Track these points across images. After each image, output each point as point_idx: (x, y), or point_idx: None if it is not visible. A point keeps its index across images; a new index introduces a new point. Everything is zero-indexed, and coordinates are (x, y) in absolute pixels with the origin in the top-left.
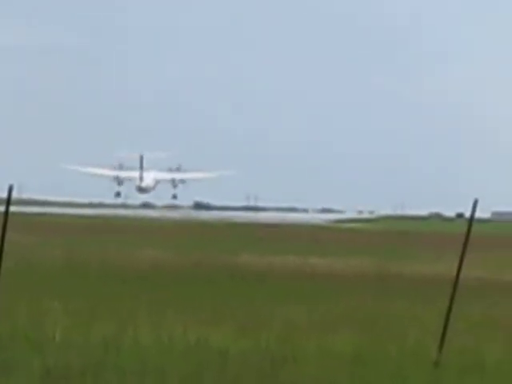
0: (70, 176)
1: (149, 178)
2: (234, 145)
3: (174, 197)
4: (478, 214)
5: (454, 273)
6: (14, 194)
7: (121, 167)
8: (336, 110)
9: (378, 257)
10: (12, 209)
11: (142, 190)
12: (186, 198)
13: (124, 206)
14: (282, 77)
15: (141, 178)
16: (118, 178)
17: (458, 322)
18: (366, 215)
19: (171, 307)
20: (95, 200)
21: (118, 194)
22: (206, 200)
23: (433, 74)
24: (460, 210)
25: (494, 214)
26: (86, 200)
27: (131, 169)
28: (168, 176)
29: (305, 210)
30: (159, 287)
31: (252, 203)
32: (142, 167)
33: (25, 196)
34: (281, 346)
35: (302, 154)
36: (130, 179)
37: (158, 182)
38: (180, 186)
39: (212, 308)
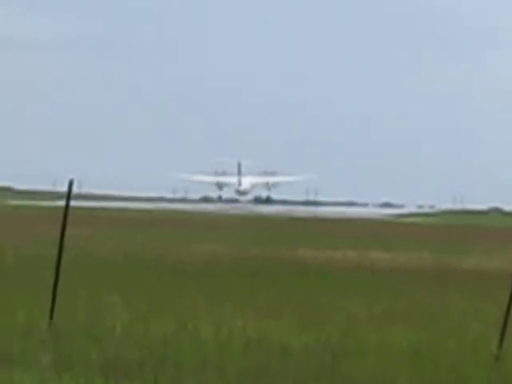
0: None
1: (246, 182)
2: (297, 142)
3: (268, 199)
4: None
5: None
6: (75, 189)
7: (223, 173)
8: (390, 106)
9: (438, 251)
10: (72, 203)
11: (240, 193)
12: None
13: (184, 200)
14: (345, 71)
15: (239, 183)
16: (219, 183)
17: None
18: (426, 209)
19: (231, 301)
20: (155, 194)
21: (219, 198)
22: (266, 194)
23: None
24: None
25: None
26: (146, 194)
27: (229, 174)
28: (262, 180)
29: (364, 205)
30: (218, 281)
31: (312, 197)
32: (240, 173)
33: (84, 190)
34: (342, 339)
35: (360, 149)
36: (230, 184)
37: (254, 185)
38: (272, 188)
39: (272, 302)
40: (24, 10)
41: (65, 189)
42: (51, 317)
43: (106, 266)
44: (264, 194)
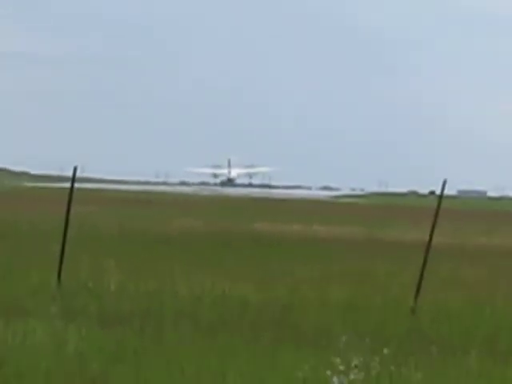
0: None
1: (234, 172)
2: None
3: (250, 183)
4: (446, 192)
5: (427, 239)
6: (78, 174)
7: (218, 166)
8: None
9: (366, 226)
10: (76, 185)
11: (230, 180)
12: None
13: (165, 183)
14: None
15: (229, 173)
16: (215, 174)
17: (430, 278)
18: (357, 192)
19: (202, 266)
20: (142, 179)
21: (217, 183)
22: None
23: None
24: (432, 189)
25: (460, 191)
26: (134, 178)
27: (222, 167)
28: (245, 171)
29: (308, 188)
30: (193, 250)
31: (267, 182)
32: (229, 166)
33: (86, 175)
34: (289, 296)
35: (305, 143)
36: (223, 174)
37: (239, 175)
38: (253, 176)
39: (235, 267)
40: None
41: (70, 173)
42: (59, 277)
43: (103, 237)
44: (247, 180)
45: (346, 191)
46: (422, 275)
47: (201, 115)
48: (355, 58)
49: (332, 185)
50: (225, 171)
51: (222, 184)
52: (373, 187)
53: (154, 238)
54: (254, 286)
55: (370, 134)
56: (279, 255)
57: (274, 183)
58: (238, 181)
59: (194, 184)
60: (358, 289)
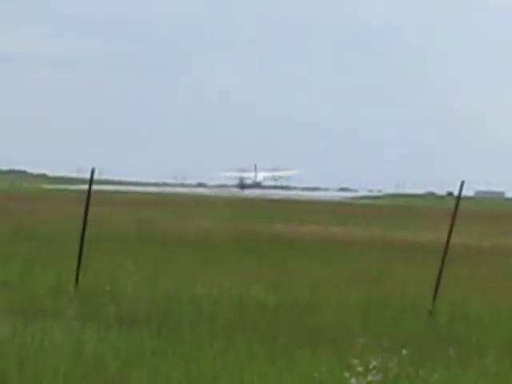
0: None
1: (260, 176)
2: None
3: (276, 185)
4: (464, 193)
5: (445, 240)
6: (96, 176)
7: (243, 170)
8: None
9: (384, 227)
10: (94, 187)
11: (256, 184)
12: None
13: (182, 185)
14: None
15: (255, 176)
16: (241, 178)
17: (448, 279)
18: (375, 193)
19: (220, 267)
20: (160, 180)
21: (242, 187)
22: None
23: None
24: (450, 190)
25: (478, 192)
26: (152, 180)
27: (248, 171)
28: (270, 174)
29: (326, 189)
30: (211, 251)
31: (285, 184)
32: (255, 169)
33: (104, 177)
34: (307, 298)
35: (326, 146)
36: (249, 177)
37: (265, 178)
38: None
39: (253, 267)
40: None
41: (88, 175)
42: (77, 278)
43: (121, 238)
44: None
45: (363, 192)
46: (439, 277)
47: (222, 119)
48: (371, 58)
49: (350, 186)
50: (251, 175)
51: (242, 186)
52: (390, 188)
53: (172, 240)
54: (273, 288)
55: (387, 135)
56: (297, 256)
57: (291, 185)
58: (264, 183)
59: (211, 186)
60: (375, 290)
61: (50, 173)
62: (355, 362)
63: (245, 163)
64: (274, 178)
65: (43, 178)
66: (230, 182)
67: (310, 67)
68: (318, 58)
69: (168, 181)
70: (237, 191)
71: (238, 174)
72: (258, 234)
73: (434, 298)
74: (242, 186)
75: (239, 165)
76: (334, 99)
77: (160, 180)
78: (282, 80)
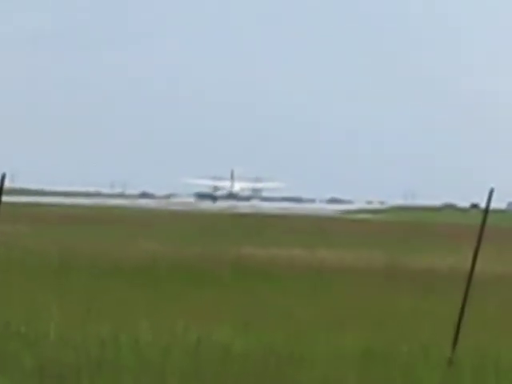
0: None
1: (237, 186)
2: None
3: (253, 196)
4: (493, 205)
5: (469, 266)
6: (7, 184)
7: (217, 178)
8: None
9: (388, 249)
10: (4, 198)
11: (231, 195)
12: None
13: (122, 195)
14: None
15: (231, 186)
16: (215, 187)
17: (472, 317)
18: (375, 205)
19: (170, 303)
20: (91, 189)
21: (214, 199)
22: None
23: None
24: (475, 201)
25: (510, 204)
26: (82, 189)
27: (222, 179)
28: (250, 185)
29: (311, 200)
30: (157, 282)
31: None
32: (232, 178)
33: (17, 185)
34: (287, 343)
35: (308, 143)
36: (223, 187)
37: (243, 189)
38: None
39: (213, 304)
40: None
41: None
42: None
43: (40, 266)
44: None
45: (360, 204)
46: (461, 314)
47: (185, 111)
48: (365, 51)
49: (342, 196)
50: (226, 184)
51: (213, 197)
52: (396, 199)
53: (107, 268)
54: (240, 330)
55: (390, 134)
56: (272, 289)
57: (271, 195)
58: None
59: (159, 197)
60: (377, 333)
61: None
62: None
63: (216, 170)
64: (254, 191)
65: None
66: (200, 191)
67: (301, 69)
68: (308, 61)
69: (103, 190)
70: (200, 203)
71: (210, 183)
72: (220, 259)
73: (455, 342)
74: (214, 196)
75: (207, 171)
76: (330, 96)
77: (92, 189)
78: (270, 82)
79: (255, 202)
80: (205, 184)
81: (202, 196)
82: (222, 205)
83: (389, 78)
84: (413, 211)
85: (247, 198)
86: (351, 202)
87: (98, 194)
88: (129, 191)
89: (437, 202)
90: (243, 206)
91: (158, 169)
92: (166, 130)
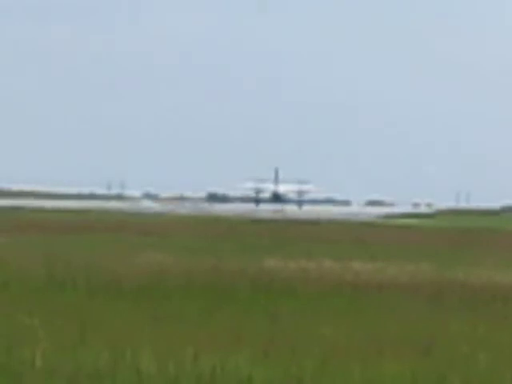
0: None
1: (282, 188)
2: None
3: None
4: None
5: None
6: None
7: (260, 180)
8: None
9: (437, 261)
10: None
11: (276, 196)
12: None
13: (120, 197)
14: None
15: (276, 188)
16: (258, 189)
17: None
18: (422, 209)
19: (179, 326)
20: (85, 190)
21: (257, 202)
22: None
23: None
24: None
25: None
26: (73, 190)
27: (266, 181)
28: (295, 187)
29: (346, 203)
30: (164, 301)
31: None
32: (277, 179)
33: None
34: (317, 374)
35: (345, 138)
36: (267, 189)
37: (288, 192)
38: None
39: (230, 327)
40: None
41: None
42: None
43: (23, 282)
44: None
45: (404, 208)
46: None
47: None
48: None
49: (383, 198)
50: (270, 186)
51: (257, 200)
52: (447, 202)
53: (102, 285)
54: (261, 359)
55: (441, 127)
56: (300, 309)
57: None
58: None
59: (165, 198)
60: (423, 362)
61: None
62: None
63: (223, 167)
64: (299, 194)
65: None
66: (247, 195)
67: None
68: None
69: (98, 191)
70: (213, 205)
71: (254, 185)
72: (237, 274)
73: None
74: (257, 199)
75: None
76: (372, 88)
77: (86, 190)
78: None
79: (304, 207)
80: (249, 187)
81: (214, 197)
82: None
83: (428, 71)
84: (466, 216)
85: (294, 201)
86: (394, 205)
87: (92, 196)
88: (129, 192)
89: (495, 204)
90: (266, 211)
91: (162, 166)
92: (174, 122)
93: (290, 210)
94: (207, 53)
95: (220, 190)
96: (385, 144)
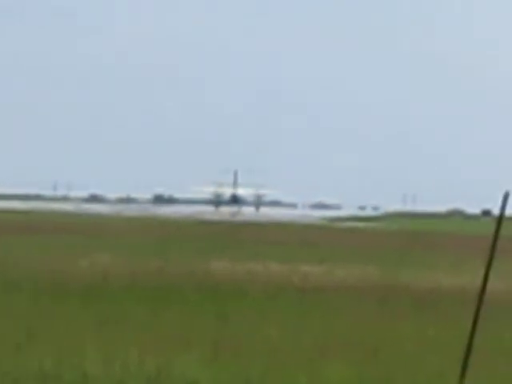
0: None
1: (240, 191)
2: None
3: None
4: (509, 211)
5: (479, 284)
6: None
7: (218, 185)
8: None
9: (384, 264)
10: None
11: (235, 199)
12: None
13: (66, 198)
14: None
15: (235, 191)
16: (217, 193)
17: (484, 345)
18: (369, 211)
19: (124, 328)
20: (31, 191)
21: (217, 204)
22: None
23: None
24: (486, 206)
25: None
26: (20, 191)
27: (225, 185)
28: (253, 191)
29: (292, 205)
30: (108, 303)
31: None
32: (236, 181)
33: None
34: (263, 376)
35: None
36: (226, 193)
37: (245, 194)
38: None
39: (176, 329)
40: None
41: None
42: None
43: None
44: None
45: (350, 211)
46: (470, 342)
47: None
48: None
49: (329, 201)
50: (229, 189)
51: (216, 203)
52: (394, 204)
53: (48, 287)
54: (208, 361)
55: (389, 131)
56: (247, 311)
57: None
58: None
59: (110, 200)
60: (370, 363)
61: None
62: None
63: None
64: (257, 197)
65: None
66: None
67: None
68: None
69: (43, 192)
70: (159, 208)
71: (214, 189)
72: (184, 275)
73: (463, 374)
74: (217, 202)
75: (161, 171)
76: (333, 87)
77: (31, 191)
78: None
79: (262, 209)
80: (207, 190)
81: (160, 199)
82: (183, 210)
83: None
84: (413, 218)
85: (251, 204)
86: (340, 208)
87: (37, 197)
88: (74, 193)
89: (442, 207)
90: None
91: (109, 168)
92: (121, 122)
93: (247, 211)
94: (150, 52)
95: (167, 192)
96: (330, 146)
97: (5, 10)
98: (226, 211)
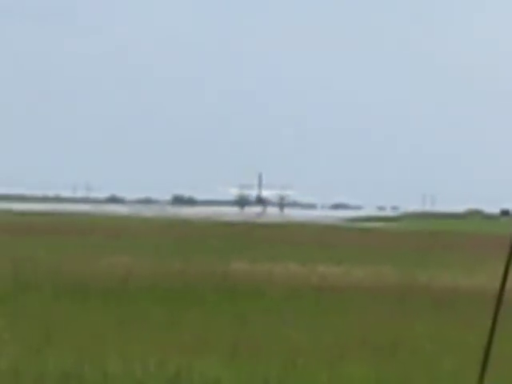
0: None
1: (264, 192)
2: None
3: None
4: None
5: (498, 284)
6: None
7: (243, 187)
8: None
9: (402, 264)
10: None
11: (260, 200)
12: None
13: (86, 200)
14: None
15: (260, 192)
16: (242, 195)
17: (503, 346)
18: (388, 212)
19: (145, 329)
20: (50, 193)
21: (243, 205)
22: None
23: None
24: (505, 206)
25: None
26: (40, 193)
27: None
28: (278, 192)
29: (312, 206)
30: (129, 304)
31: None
32: (260, 183)
33: None
34: (282, 377)
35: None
36: (251, 194)
37: (270, 195)
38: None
39: (197, 330)
40: None
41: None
42: None
43: None
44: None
45: (369, 211)
46: (489, 344)
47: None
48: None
49: (349, 201)
50: (254, 191)
51: (242, 204)
52: (413, 205)
53: (68, 288)
54: (228, 362)
55: (405, 130)
56: (266, 312)
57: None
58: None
59: (131, 201)
60: (388, 364)
61: None
62: None
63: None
64: (281, 198)
65: None
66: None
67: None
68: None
69: (63, 194)
70: (180, 208)
71: (239, 191)
72: (203, 276)
73: (482, 375)
74: (243, 202)
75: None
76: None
77: (51, 193)
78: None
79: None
80: (233, 192)
81: (179, 200)
82: (203, 211)
83: (408, 73)
84: (432, 219)
85: (276, 205)
86: (359, 208)
87: (57, 199)
88: (94, 195)
89: (461, 207)
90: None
91: (128, 169)
92: (140, 123)
93: (272, 212)
94: (179, 54)
95: (187, 193)
96: (350, 146)
97: (5, 10)
98: (251, 212)
